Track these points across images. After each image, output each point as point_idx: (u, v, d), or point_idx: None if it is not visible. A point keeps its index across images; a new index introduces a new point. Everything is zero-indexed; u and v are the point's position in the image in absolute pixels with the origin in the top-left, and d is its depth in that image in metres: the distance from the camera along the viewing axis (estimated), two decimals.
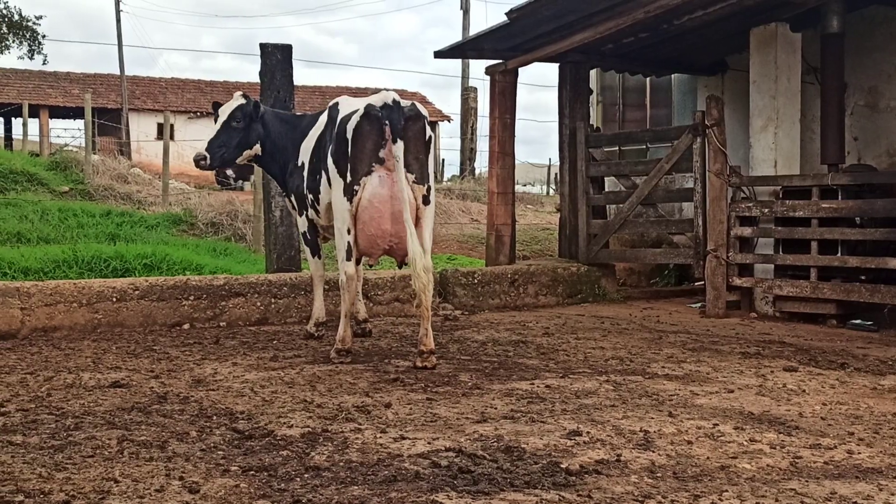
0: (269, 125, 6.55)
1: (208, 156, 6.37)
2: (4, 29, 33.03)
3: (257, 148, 6.57)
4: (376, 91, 5.93)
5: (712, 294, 8.56)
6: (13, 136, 35.92)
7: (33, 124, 31.92)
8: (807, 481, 3.30)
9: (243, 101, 6.50)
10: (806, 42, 9.25)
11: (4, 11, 33.17)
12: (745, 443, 3.81)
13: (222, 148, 6.43)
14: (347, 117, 5.61)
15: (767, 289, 8.49)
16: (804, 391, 4.98)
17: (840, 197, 8.04)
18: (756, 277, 8.69)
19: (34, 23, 34.49)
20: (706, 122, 8.68)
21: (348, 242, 5.58)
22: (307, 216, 6.35)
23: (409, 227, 5.32)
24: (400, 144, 5.36)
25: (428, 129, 5.64)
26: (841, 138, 8.99)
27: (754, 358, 6.06)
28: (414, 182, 5.48)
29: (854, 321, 7.91)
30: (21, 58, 41.29)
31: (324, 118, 6.13)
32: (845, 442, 3.87)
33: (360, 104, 5.66)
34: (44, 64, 35.75)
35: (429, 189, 5.57)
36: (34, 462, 3.36)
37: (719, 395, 4.82)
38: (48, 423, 3.97)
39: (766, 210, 8.42)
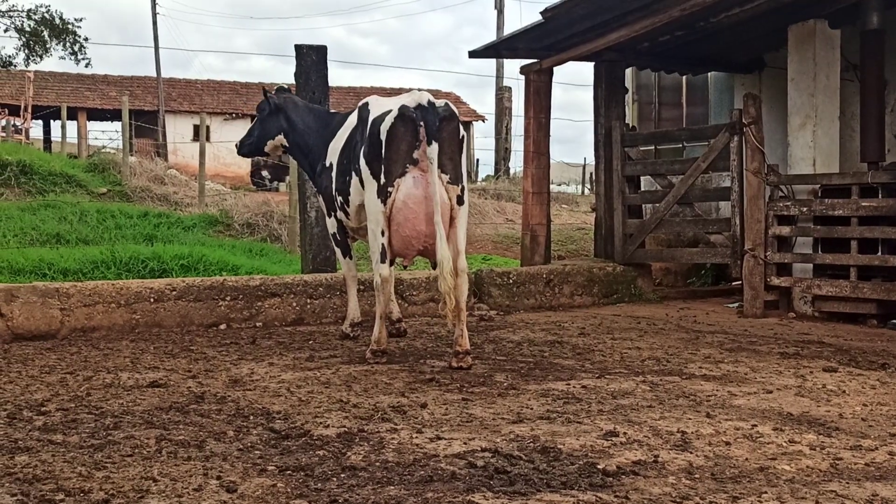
0: (293, 118, 6.73)
1: (238, 144, 7.11)
2: (46, 35, 33.48)
3: (280, 139, 6.84)
4: (409, 91, 5.92)
5: (750, 294, 8.48)
6: (52, 139, 36.41)
7: (72, 126, 32.39)
8: (847, 483, 3.26)
9: (271, 94, 6.91)
10: (845, 39, 9.13)
11: (46, 16, 33.64)
12: (784, 444, 3.77)
13: (249, 137, 7.01)
14: (380, 118, 5.57)
15: (806, 288, 8.39)
16: (844, 392, 4.91)
17: (880, 195, 7.94)
18: (795, 277, 8.60)
19: (75, 25, 34.95)
20: (743, 120, 8.59)
21: (382, 244, 5.55)
22: (336, 217, 6.36)
23: (440, 230, 5.29)
24: (435, 146, 5.33)
25: (461, 128, 5.62)
26: (881, 136, 8.87)
27: (793, 358, 5.99)
28: (448, 182, 5.45)
29: (895, 321, 7.80)
30: (62, 58, 41.85)
31: (353, 119, 6.11)
32: (886, 443, 3.81)
33: (392, 104, 5.62)
34: (87, 67, 36.26)
35: (463, 189, 5.54)
36: (74, 461, 3.39)
37: (758, 395, 4.77)
38: (88, 423, 4.01)
39: (805, 209, 8.32)
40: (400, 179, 5.42)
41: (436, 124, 5.35)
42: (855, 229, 7.96)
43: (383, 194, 5.47)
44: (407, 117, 5.40)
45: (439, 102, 5.49)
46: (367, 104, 5.95)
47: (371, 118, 5.68)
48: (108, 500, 2.96)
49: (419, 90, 5.62)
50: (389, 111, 5.52)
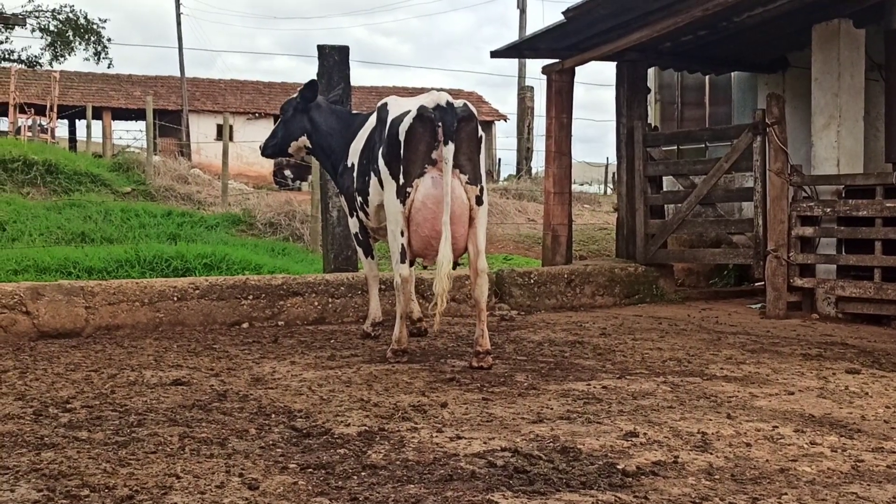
0: (316, 119, 6.74)
1: (262, 146, 7.13)
2: (71, 35, 33.79)
3: (304, 140, 6.84)
4: (429, 91, 5.91)
5: (773, 295, 8.44)
6: (77, 138, 36.71)
7: (96, 126, 32.60)
8: (868, 485, 3.25)
9: (294, 94, 6.90)
10: (869, 38, 9.07)
11: (71, 16, 33.95)
12: (805, 445, 3.76)
13: (273, 138, 7.03)
14: (399, 119, 5.57)
15: (829, 289, 8.34)
16: (867, 394, 4.89)
17: None
18: (818, 278, 8.55)
19: (99, 26, 35.25)
20: (767, 120, 8.55)
21: (402, 245, 5.54)
22: (358, 217, 6.39)
23: (446, 231, 5.28)
24: (451, 146, 5.34)
25: (479, 128, 5.62)
26: None
27: (816, 360, 5.96)
28: (467, 183, 5.45)
29: None
30: (87, 59, 42.25)
31: (373, 119, 6.12)
32: None
33: (410, 105, 5.61)
34: (109, 67, 36.56)
35: (482, 189, 5.53)
36: (99, 457, 3.43)
37: (779, 397, 4.76)
38: (112, 420, 4.06)
39: (829, 209, 8.27)
40: (419, 180, 5.43)
41: (454, 125, 5.34)
42: (879, 230, 7.91)
43: (402, 195, 5.48)
44: (425, 118, 5.40)
45: (458, 103, 5.48)
46: (385, 105, 5.95)
47: (390, 119, 5.69)
48: (133, 496, 2.99)
49: (438, 90, 5.62)
50: (408, 112, 5.52)
